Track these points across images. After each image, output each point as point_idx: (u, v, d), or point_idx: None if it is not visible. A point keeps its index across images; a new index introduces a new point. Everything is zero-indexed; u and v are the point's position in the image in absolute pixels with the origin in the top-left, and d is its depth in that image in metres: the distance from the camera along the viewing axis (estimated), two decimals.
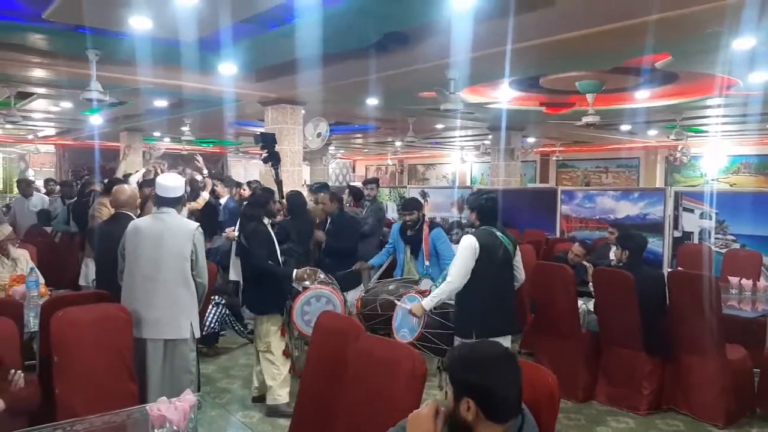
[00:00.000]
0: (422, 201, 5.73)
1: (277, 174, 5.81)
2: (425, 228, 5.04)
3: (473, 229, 3.86)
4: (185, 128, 11.66)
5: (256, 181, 7.66)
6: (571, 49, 5.50)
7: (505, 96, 8.71)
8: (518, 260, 3.89)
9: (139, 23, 5.01)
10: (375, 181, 6.90)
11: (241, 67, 6.78)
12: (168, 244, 3.42)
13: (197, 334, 3.50)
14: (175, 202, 3.54)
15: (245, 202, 5.05)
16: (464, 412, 1.72)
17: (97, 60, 6.07)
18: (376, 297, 4.60)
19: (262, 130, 7.89)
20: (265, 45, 5.93)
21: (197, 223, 3.56)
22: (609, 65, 6.57)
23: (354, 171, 25.75)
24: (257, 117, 9.79)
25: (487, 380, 1.72)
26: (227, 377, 5.12)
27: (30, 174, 17.73)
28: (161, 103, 9.63)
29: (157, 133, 14.96)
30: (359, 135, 15.67)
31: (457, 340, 3.72)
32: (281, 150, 8.27)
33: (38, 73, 7.16)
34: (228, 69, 6.72)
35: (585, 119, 7.77)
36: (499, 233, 3.73)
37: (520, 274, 3.93)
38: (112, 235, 3.80)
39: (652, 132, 13.59)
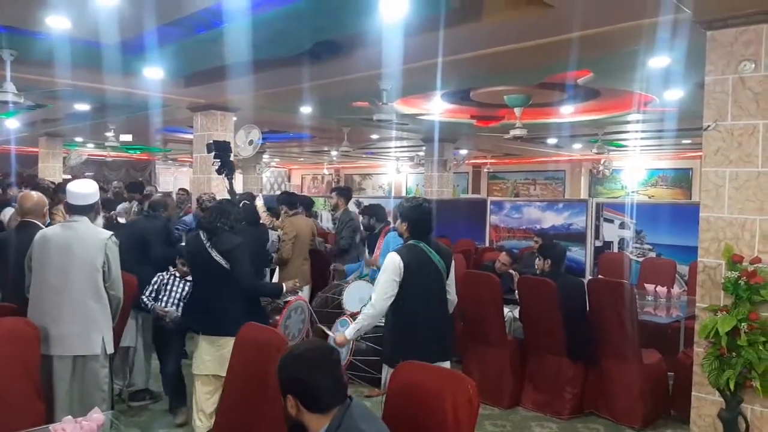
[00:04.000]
0: (384, 208, 5.68)
1: (231, 184, 5.56)
2: (383, 234, 5.10)
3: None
4: (110, 134, 11.20)
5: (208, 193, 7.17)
6: (497, 64, 5.65)
7: (437, 108, 8.86)
8: (451, 280, 3.46)
9: (56, 23, 4.79)
10: (337, 189, 6.70)
11: (168, 71, 6.58)
12: (78, 254, 3.22)
13: (109, 350, 3.30)
14: (87, 210, 3.33)
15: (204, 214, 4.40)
16: (290, 408, 1.86)
17: (12, 60, 5.77)
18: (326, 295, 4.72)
19: (215, 138, 7.54)
20: (193, 49, 5.78)
21: (110, 232, 3.37)
22: (534, 80, 6.80)
23: (289, 180, 25.49)
24: (186, 123, 9.52)
25: (298, 374, 1.85)
26: (146, 393, 4.88)
27: None
28: (83, 106, 9.20)
29: (79, 139, 14.30)
30: (294, 143, 15.53)
31: (386, 369, 3.35)
32: (210, 157, 8.07)
33: None
34: (154, 73, 6.51)
35: (513, 132, 8.00)
36: (429, 249, 3.31)
37: (451, 294, 3.50)
38: (17, 245, 3.56)
39: (577, 146, 14.19)
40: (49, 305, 3.20)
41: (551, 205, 8.07)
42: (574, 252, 7.30)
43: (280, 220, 6.24)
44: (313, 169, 24.48)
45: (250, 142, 8.69)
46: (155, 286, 4.30)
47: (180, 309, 4.21)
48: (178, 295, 4.30)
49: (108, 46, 5.44)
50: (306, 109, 8.97)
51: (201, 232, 3.76)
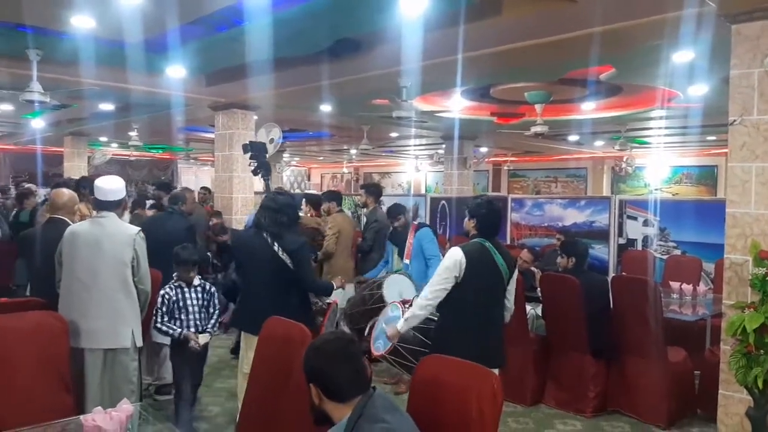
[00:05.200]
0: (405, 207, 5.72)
1: (267, 186, 5.54)
2: (411, 229, 5.12)
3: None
4: (133, 133, 11.36)
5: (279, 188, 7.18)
6: (517, 59, 5.61)
7: (457, 105, 8.82)
8: (511, 287, 3.40)
9: (81, 22, 4.85)
10: (366, 187, 6.54)
11: (190, 70, 6.64)
12: (106, 250, 3.29)
13: (139, 343, 3.37)
14: (115, 206, 3.40)
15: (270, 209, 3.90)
16: (314, 397, 1.91)
17: (38, 60, 5.85)
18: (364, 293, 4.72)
19: (251, 138, 7.52)
20: (214, 48, 5.82)
21: (138, 228, 3.44)
22: (555, 76, 6.74)
23: (309, 179, 25.61)
24: (208, 122, 9.61)
25: (318, 363, 1.90)
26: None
27: None
28: (107, 106, 9.32)
29: (103, 138, 14.51)
30: (314, 142, 15.59)
31: None
32: (231, 156, 8.16)
33: None
34: (176, 72, 6.58)
35: (533, 129, 7.93)
36: (494, 250, 3.25)
37: (510, 301, 3.43)
38: (45, 241, 3.64)
39: (599, 143, 14.03)
40: (78, 300, 3.27)
41: (573, 202, 8.00)
42: (597, 250, 7.23)
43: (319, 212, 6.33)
44: (333, 168, 24.56)
45: (271, 141, 8.76)
46: (164, 308, 3.76)
47: (202, 320, 3.84)
48: (197, 307, 3.83)
49: (131, 45, 5.51)
50: (326, 108, 8.99)
51: (263, 231, 3.73)
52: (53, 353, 2.99)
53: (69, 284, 3.32)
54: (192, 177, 20.65)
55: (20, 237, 5.76)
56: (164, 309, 3.76)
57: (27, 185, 9.17)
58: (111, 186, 3.43)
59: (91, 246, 3.29)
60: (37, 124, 11.25)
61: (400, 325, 3.36)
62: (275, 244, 3.68)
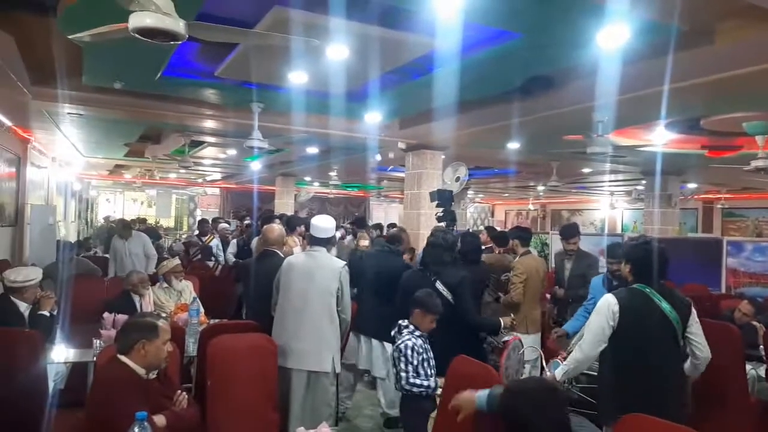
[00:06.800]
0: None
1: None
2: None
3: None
4: (333, 173, 12.33)
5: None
6: (735, 88, 5.05)
7: (660, 139, 8.16)
8: (694, 332, 3.00)
9: (297, 78, 5.43)
10: (575, 231, 5.84)
11: (386, 115, 7.09)
12: (317, 281, 3.64)
13: (338, 369, 3.65)
14: (326, 242, 3.80)
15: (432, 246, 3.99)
16: None
17: (260, 111, 6.68)
18: None
19: (439, 186, 7.50)
20: (408, 94, 6.15)
21: (344, 262, 3.77)
22: None
23: (493, 215, 25.46)
24: (398, 162, 10.11)
25: (521, 408, 1.87)
26: (361, 416, 5.15)
27: (198, 214, 19.81)
28: (312, 150, 10.32)
29: (308, 178, 16.02)
30: (499, 179, 15.52)
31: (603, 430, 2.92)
32: (420, 194, 8.46)
33: (209, 123, 8.04)
34: (373, 117, 7.06)
35: (755, 163, 7.01)
36: (656, 296, 2.91)
37: (700, 349, 3.02)
38: (260, 271, 4.10)
39: None
40: (290, 323, 3.65)
41: None
42: None
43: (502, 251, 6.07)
44: (518, 204, 24.13)
45: (457, 179, 8.92)
46: (416, 362, 3.23)
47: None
48: (434, 361, 3.35)
49: (336, 95, 6.05)
50: (513, 145, 8.91)
51: (427, 269, 3.84)
52: (265, 372, 3.33)
53: (283, 308, 3.72)
54: (382, 213, 21.75)
55: (238, 266, 6.54)
56: (415, 363, 3.23)
57: (249, 220, 10.40)
58: (325, 225, 3.84)
59: (304, 276, 3.68)
60: (255, 166, 12.83)
61: (558, 374, 3.07)
62: (434, 277, 3.77)
